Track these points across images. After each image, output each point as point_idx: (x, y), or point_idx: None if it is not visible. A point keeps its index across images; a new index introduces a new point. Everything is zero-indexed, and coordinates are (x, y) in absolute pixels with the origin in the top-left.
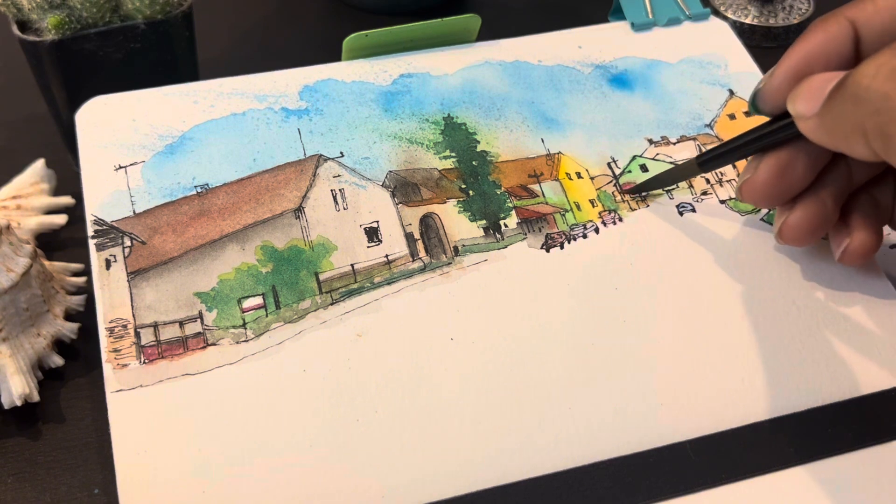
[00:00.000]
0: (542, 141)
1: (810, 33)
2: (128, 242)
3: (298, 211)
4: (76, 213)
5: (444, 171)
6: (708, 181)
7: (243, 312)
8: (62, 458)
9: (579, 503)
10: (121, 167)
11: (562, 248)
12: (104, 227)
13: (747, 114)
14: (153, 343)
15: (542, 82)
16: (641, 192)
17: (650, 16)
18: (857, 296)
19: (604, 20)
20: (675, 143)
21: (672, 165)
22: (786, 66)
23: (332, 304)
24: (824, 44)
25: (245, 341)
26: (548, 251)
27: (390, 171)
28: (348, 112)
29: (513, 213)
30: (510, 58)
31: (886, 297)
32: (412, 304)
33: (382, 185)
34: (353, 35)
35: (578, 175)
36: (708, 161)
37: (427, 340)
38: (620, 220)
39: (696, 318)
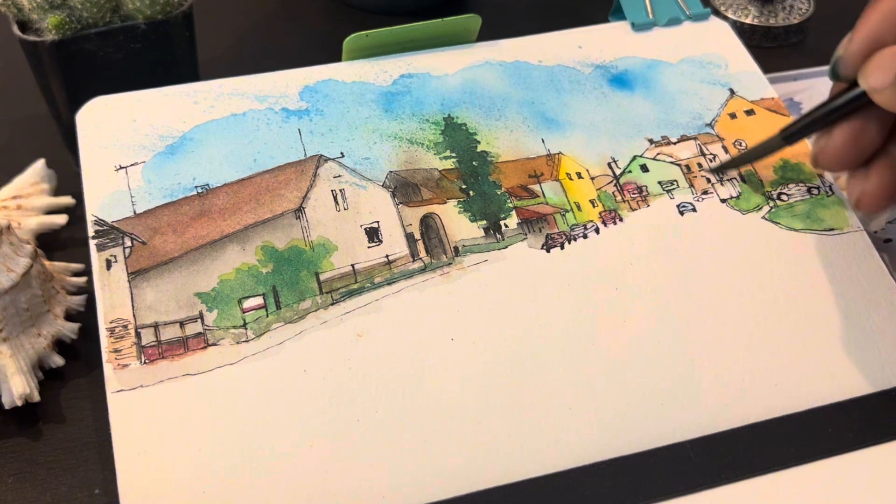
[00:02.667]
0: (543, 141)
1: None
2: (128, 243)
3: (299, 211)
4: (76, 213)
5: (445, 171)
6: (709, 180)
7: (244, 312)
8: (62, 458)
9: (579, 503)
10: (121, 167)
11: (562, 248)
12: (105, 228)
13: (748, 113)
14: (154, 343)
15: (542, 82)
16: (725, 170)
17: (650, 16)
18: (858, 295)
19: (604, 20)
20: (675, 143)
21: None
22: (863, 32)
23: (332, 304)
24: None
25: (245, 341)
26: (548, 251)
27: (391, 172)
28: (348, 112)
29: (513, 213)
30: (510, 58)
31: (888, 297)
32: (412, 304)
33: (383, 186)
34: (353, 35)
35: (579, 175)
36: (793, 134)
37: (427, 340)
38: (621, 220)
39: (697, 318)
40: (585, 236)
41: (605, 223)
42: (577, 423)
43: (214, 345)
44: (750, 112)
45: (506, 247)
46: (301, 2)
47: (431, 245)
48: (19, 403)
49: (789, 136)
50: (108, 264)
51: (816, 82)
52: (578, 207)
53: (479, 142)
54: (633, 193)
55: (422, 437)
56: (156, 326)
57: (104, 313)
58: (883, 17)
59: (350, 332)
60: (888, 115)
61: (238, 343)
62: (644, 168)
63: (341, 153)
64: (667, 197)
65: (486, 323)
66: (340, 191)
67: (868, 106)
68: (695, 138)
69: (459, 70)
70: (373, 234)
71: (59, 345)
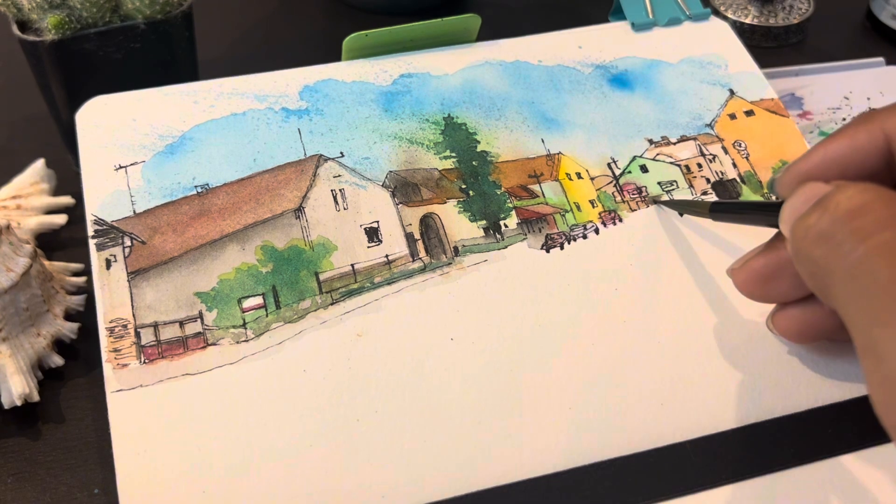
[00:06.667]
0: (543, 141)
1: (835, 138)
2: (128, 242)
3: (298, 211)
4: (76, 213)
5: (445, 171)
6: (708, 180)
7: (243, 312)
8: (62, 458)
9: (579, 503)
10: (121, 167)
11: (562, 248)
12: (104, 227)
13: (748, 113)
14: (153, 343)
15: (542, 82)
16: (664, 205)
17: (650, 16)
18: None
19: (604, 20)
20: (675, 143)
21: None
22: (800, 168)
23: (332, 303)
24: (847, 154)
25: (245, 341)
26: (548, 252)
27: (390, 172)
28: (348, 112)
29: (513, 213)
30: (510, 58)
31: None
32: (412, 304)
33: (383, 186)
34: (353, 35)
35: (578, 175)
36: (720, 212)
37: (427, 340)
38: (620, 220)
39: (696, 318)
40: (585, 236)
41: (604, 223)
42: (577, 423)
43: (214, 344)
44: (749, 113)
45: (505, 247)
46: (301, 2)
47: (431, 245)
48: (19, 403)
49: (717, 212)
50: (108, 264)
51: (818, 79)
52: (578, 208)
53: (478, 142)
54: (633, 194)
55: (422, 437)
56: (155, 326)
57: (104, 313)
58: (825, 159)
59: (350, 331)
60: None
61: (238, 343)
62: (644, 168)
63: (341, 153)
64: (666, 197)
65: (486, 323)
66: (340, 190)
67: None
68: (694, 139)
69: (459, 70)
70: (372, 234)
71: (59, 344)
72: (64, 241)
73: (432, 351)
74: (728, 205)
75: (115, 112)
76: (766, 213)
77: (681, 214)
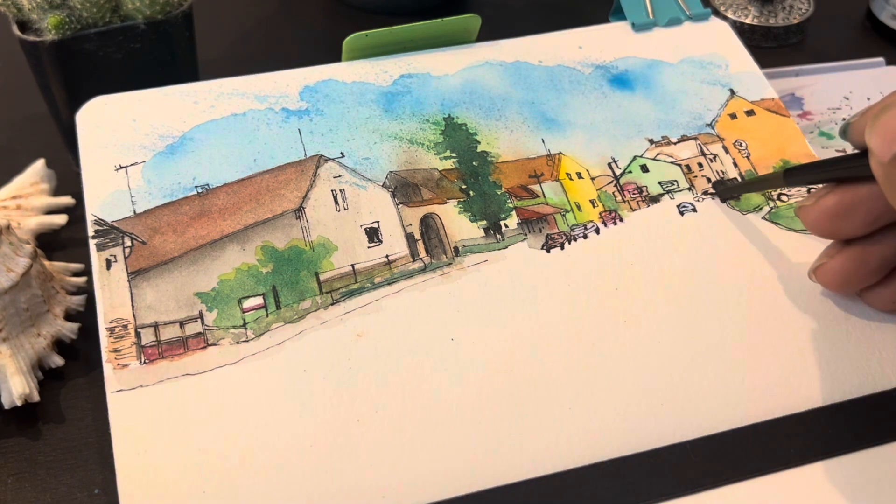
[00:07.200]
0: (543, 141)
1: None
2: (128, 242)
3: (299, 211)
4: (76, 213)
5: (445, 171)
6: (709, 180)
7: (244, 312)
8: (62, 458)
9: (579, 503)
10: (121, 167)
11: (562, 248)
12: (105, 227)
13: (748, 113)
14: (153, 343)
15: (542, 82)
16: (727, 194)
17: (651, 16)
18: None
19: (604, 20)
20: (675, 143)
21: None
22: (877, 110)
23: (332, 304)
24: None
25: (245, 341)
26: (548, 252)
27: (391, 172)
28: (349, 112)
29: (513, 213)
30: (510, 58)
31: None
32: (412, 304)
33: (383, 186)
34: (353, 35)
35: (579, 175)
36: (796, 178)
37: (427, 340)
38: (621, 220)
39: (697, 318)
40: (585, 236)
41: (605, 223)
42: (577, 423)
43: (214, 345)
44: (750, 112)
45: (506, 247)
46: (301, 2)
47: (431, 245)
48: (19, 403)
49: (791, 178)
50: (108, 264)
51: (818, 79)
52: (578, 207)
53: (479, 142)
54: (634, 193)
55: (422, 437)
56: (155, 326)
57: (104, 313)
58: None
59: (350, 332)
60: (884, 205)
61: (238, 343)
62: (644, 168)
63: (341, 153)
64: (667, 197)
65: (486, 323)
66: (340, 191)
67: (865, 184)
68: (695, 138)
69: (459, 70)
70: (373, 234)
71: (59, 345)
72: (64, 242)
73: (432, 351)
74: (804, 168)
75: (116, 112)
76: (845, 166)
77: (723, 200)
